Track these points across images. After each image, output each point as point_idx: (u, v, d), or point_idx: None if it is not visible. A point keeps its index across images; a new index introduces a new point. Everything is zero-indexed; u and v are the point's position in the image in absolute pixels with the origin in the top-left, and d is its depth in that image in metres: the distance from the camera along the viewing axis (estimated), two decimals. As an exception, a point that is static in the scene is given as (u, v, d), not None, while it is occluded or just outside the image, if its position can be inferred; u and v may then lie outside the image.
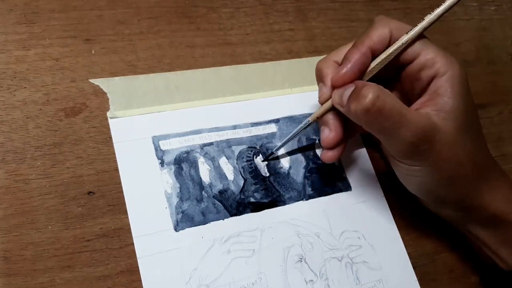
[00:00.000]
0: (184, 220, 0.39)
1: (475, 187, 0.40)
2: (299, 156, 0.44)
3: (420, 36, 0.38)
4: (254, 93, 0.45)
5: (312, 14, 0.51)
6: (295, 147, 0.44)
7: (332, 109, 0.40)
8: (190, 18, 0.46)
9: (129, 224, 0.37)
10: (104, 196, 0.38)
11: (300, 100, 0.46)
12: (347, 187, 0.45)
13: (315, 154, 0.45)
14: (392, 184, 0.46)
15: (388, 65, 0.39)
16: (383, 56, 0.39)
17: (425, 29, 0.38)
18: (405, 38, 0.38)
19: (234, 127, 0.43)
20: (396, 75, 0.41)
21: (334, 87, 0.39)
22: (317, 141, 0.45)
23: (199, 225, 0.39)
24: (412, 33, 0.38)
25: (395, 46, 0.38)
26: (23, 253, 0.35)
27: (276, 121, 0.45)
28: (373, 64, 0.39)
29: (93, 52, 0.42)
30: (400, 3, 0.56)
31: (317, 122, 0.41)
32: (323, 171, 0.44)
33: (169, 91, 0.42)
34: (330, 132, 0.40)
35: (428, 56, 0.38)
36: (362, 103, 0.35)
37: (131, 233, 0.37)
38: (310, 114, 0.45)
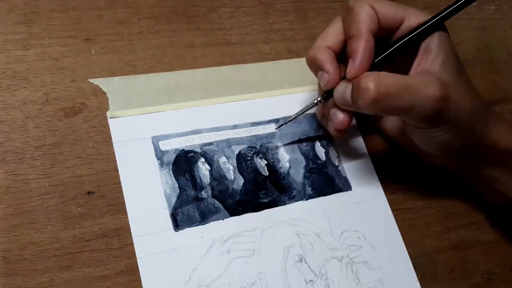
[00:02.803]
0: (184, 220, 0.39)
1: (485, 128, 0.41)
2: (299, 156, 0.44)
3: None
4: (254, 93, 0.45)
5: (312, 14, 0.51)
6: (295, 146, 0.44)
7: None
8: (189, 17, 0.46)
9: (128, 224, 0.37)
10: (103, 196, 0.38)
11: (300, 99, 0.46)
12: (347, 187, 0.44)
13: (315, 154, 0.45)
14: (393, 183, 0.46)
15: (378, 40, 0.40)
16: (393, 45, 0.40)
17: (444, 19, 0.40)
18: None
19: (234, 126, 0.43)
20: (386, 40, 0.42)
21: (351, 80, 0.39)
22: (317, 141, 0.45)
23: (199, 225, 0.39)
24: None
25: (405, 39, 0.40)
26: (23, 253, 0.35)
27: (276, 121, 0.44)
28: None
29: (92, 52, 0.42)
30: (400, 2, 0.56)
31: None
32: (323, 171, 0.44)
33: (168, 91, 0.42)
34: (342, 114, 0.41)
35: (411, 21, 0.40)
36: (367, 97, 0.36)
37: (130, 233, 0.37)
38: (310, 114, 0.46)
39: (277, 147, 0.44)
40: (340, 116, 0.41)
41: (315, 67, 0.41)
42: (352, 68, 0.39)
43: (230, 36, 0.47)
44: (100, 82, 0.41)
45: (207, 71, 0.44)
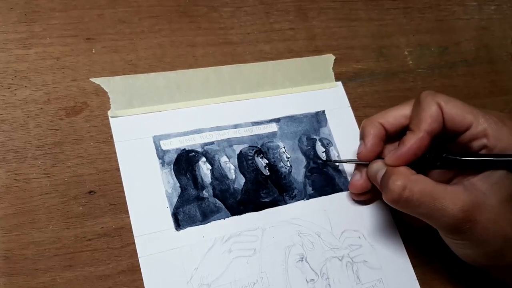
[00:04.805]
0: (185, 219, 0.39)
1: None
2: (300, 156, 0.44)
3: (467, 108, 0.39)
4: (255, 92, 0.45)
5: (312, 13, 0.51)
6: (296, 146, 0.44)
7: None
8: (191, 17, 0.46)
9: (130, 224, 0.37)
10: (105, 195, 0.38)
11: (301, 99, 0.46)
12: (347, 187, 0.44)
13: (316, 154, 0.45)
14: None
15: (441, 133, 0.39)
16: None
17: None
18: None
19: (235, 126, 0.43)
20: (451, 139, 0.41)
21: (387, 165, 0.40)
22: (318, 141, 0.45)
23: (200, 224, 0.39)
24: None
25: None
26: (24, 252, 0.35)
27: (277, 120, 0.45)
28: None
29: (93, 51, 0.42)
30: (400, 2, 0.56)
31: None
32: (323, 170, 0.44)
33: (170, 90, 0.42)
34: (360, 179, 0.42)
35: (479, 128, 0.38)
36: (389, 196, 0.37)
37: (132, 232, 0.37)
38: (311, 114, 0.46)
39: (278, 146, 0.44)
40: (356, 177, 0.42)
41: (361, 134, 0.42)
42: (392, 156, 0.39)
43: (231, 36, 0.47)
44: (101, 81, 0.41)
45: (208, 71, 0.44)
